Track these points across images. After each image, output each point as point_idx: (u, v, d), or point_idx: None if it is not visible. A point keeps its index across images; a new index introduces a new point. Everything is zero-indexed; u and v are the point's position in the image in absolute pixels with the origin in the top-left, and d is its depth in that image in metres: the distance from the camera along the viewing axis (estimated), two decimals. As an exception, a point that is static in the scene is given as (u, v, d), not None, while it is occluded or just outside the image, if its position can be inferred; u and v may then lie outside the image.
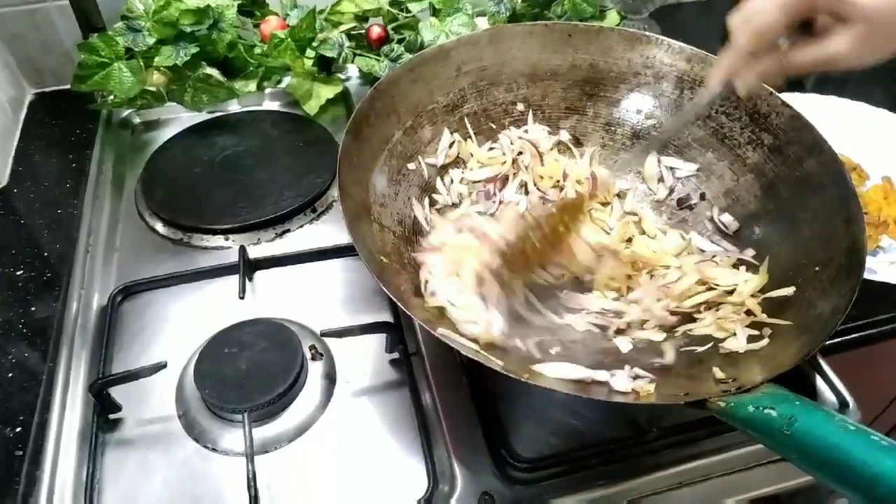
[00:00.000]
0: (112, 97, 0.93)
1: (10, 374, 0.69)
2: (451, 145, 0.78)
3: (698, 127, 0.77)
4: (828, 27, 0.52)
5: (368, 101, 0.70)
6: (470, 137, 0.79)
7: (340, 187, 0.63)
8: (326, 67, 0.99)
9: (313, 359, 0.68)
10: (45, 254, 0.81)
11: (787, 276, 0.65)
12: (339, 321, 0.69)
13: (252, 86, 0.98)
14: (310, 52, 0.97)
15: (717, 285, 0.68)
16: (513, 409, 0.66)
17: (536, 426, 0.65)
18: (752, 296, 0.66)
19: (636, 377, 0.58)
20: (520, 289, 0.67)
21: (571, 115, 0.82)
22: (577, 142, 0.82)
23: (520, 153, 0.80)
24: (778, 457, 0.64)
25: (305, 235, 0.83)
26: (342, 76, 1.02)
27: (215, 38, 0.94)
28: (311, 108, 0.97)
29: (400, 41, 1.01)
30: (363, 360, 0.70)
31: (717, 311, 0.66)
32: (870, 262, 0.80)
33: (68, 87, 0.96)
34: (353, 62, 1.01)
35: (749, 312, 0.64)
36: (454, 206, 0.77)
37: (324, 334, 0.67)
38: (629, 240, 0.76)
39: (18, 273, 0.78)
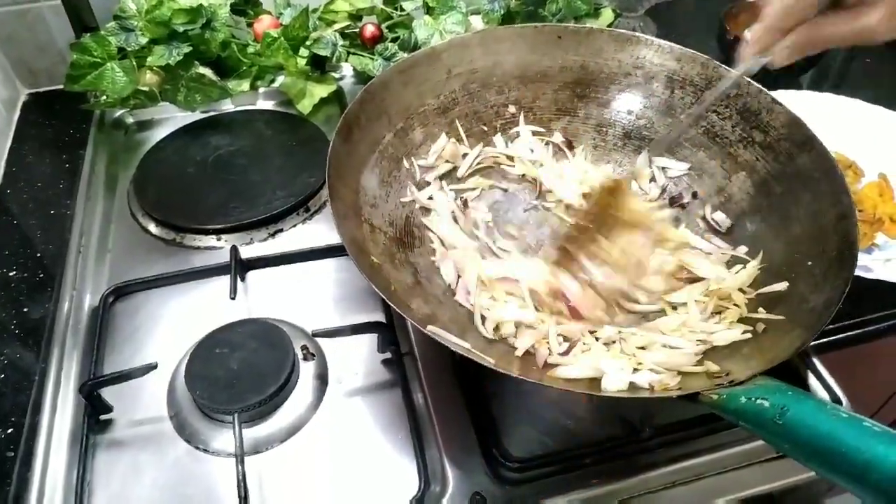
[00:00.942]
0: (105, 97, 0.93)
1: (3, 375, 0.69)
2: (443, 148, 0.78)
3: (689, 126, 0.77)
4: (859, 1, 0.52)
5: (359, 104, 0.70)
6: (462, 140, 0.79)
7: (330, 188, 0.62)
8: (320, 66, 0.99)
9: (305, 359, 0.68)
10: (38, 254, 0.81)
11: (781, 272, 0.65)
12: (331, 321, 0.69)
13: (245, 85, 0.97)
14: (303, 52, 0.96)
15: (693, 271, 0.69)
16: (505, 409, 0.65)
17: (529, 426, 0.64)
18: (742, 291, 0.66)
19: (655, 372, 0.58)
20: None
21: (563, 116, 0.82)
22: (570, 144, 0.82)
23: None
24: (772, 455, 0.64)
25: (298, 235, 0.83)
26: (336, 75, 1.02)
27: (208, 37, 0.94)
28: (305, 107, 0.97)
29: (394, 40, 1.00)
30: (355, 360, 0.70)
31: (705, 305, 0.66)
32: (865, 259, 0.80)
33: (61, 87, 0.96)
34: (346, 61, 1.01)
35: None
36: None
37: (315, 334, 0.66)
38: None
39: (11, 273, 0.78)
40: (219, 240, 0.81)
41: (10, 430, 0.64)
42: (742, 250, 0.70)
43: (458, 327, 0.62)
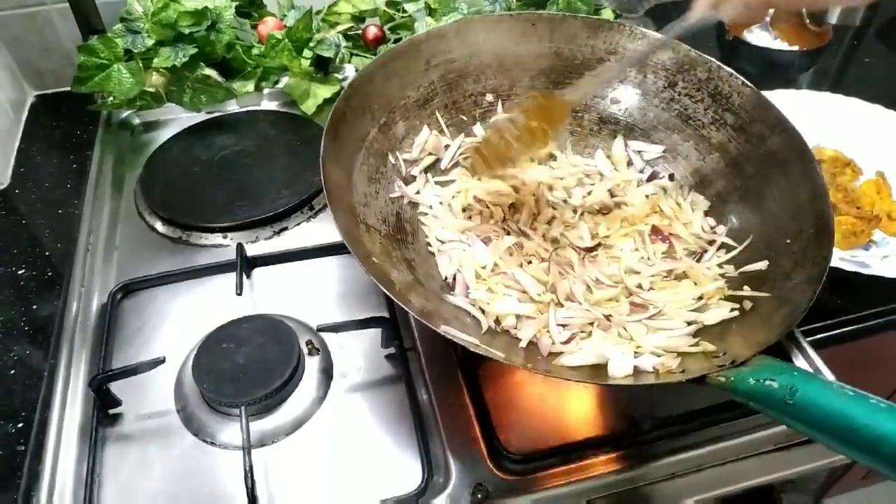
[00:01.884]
0: (111, 98, 0.94)
1: (13, 371, 0.70)
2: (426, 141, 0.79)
3: (662, 110, 0.79)
4: None
5: (344, 100, 0.70)
6: (444, 132, 0.80)
7: (327, 190, 0.63)
8: (324, 67, 1.00)
9: (310, 354, 0.69)
10: (47, 253, 0.82)
11: (760, 250, 0.67)
12: (335, 317, 0.70)
13: (250, 86, 0.99)
14: (307, 53, 0.98)
15: (661, 210, 0.74)
16: (507, 401, 0.66)
17: (531, 418, 0.66)
18: (720, 267, 0.69)
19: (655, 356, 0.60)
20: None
21: None
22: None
23: None
24: (772, 447, 0.65)
25: (302, 233, 0.84)
26: (339, 76, 1.03)
27: (213, 39, 0.95)
28: (309, 107, 0.98)
29: (396, 41, 1.02)
30: (359, 355, 0.71)
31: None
32: (862, 255, 0.81)
33: (69, 89, 0.97)
34: (349, 62, 1.02)
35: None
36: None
37: (320, 329, 0.67)
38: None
39: (20, 272, 0.79)
40: (225, 238, 0.82)
41: (20, 425, 0.65)
42: (721, 230, 0.72)
43: (458, 322, 0.63)
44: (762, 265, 0.65)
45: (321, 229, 0.84)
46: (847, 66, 1.16)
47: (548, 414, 0.66)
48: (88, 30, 0.97)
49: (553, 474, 0.61)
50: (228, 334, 0.67)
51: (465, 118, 0.82)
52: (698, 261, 0.71)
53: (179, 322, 0.73)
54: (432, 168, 0.79)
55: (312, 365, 0.69)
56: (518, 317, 0.65)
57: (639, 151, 0.80)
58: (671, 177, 0.78)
